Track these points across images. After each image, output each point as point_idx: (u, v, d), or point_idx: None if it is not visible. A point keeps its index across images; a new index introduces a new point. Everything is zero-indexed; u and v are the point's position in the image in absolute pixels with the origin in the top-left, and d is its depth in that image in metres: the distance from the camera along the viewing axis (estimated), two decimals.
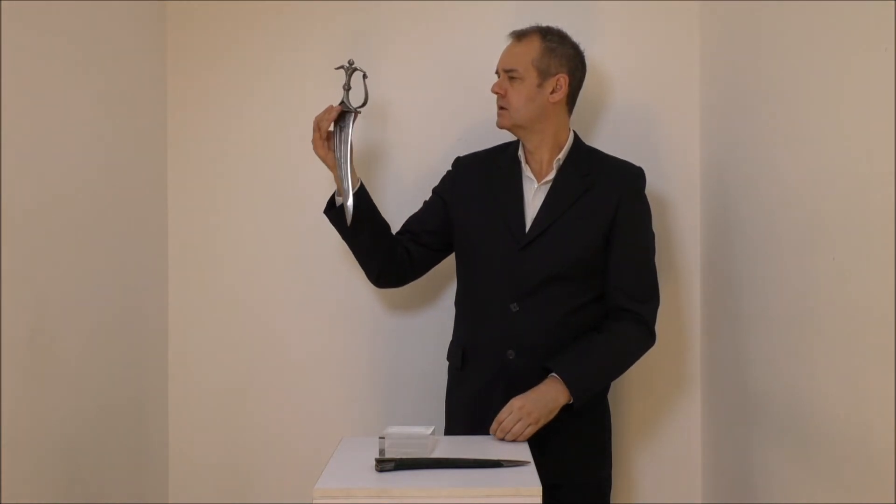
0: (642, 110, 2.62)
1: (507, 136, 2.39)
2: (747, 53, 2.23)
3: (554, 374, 2.16)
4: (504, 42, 2.34)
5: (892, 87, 1.51)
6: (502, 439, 2.07)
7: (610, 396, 2.39)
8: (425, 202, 2.45)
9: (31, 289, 1.96)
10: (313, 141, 2.29)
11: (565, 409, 2.16)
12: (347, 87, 2.32)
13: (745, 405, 2.24)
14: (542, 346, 2.22)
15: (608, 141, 2.54)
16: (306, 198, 2.60)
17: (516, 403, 2.10)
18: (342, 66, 2.33)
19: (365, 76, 2.35)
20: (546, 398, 2.12)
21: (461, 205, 2.36)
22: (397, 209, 2.52)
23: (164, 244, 2.67)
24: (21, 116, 1.92)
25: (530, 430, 2.08)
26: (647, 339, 2.29)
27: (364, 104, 2.34)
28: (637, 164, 2.36)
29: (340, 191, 2.29)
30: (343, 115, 2.30)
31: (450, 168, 2.45)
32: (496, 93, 2.30)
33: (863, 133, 1.63)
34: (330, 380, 2.66)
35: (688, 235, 2.62)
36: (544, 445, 2.13)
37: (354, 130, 2.31)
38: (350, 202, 2.27)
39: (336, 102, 2.31)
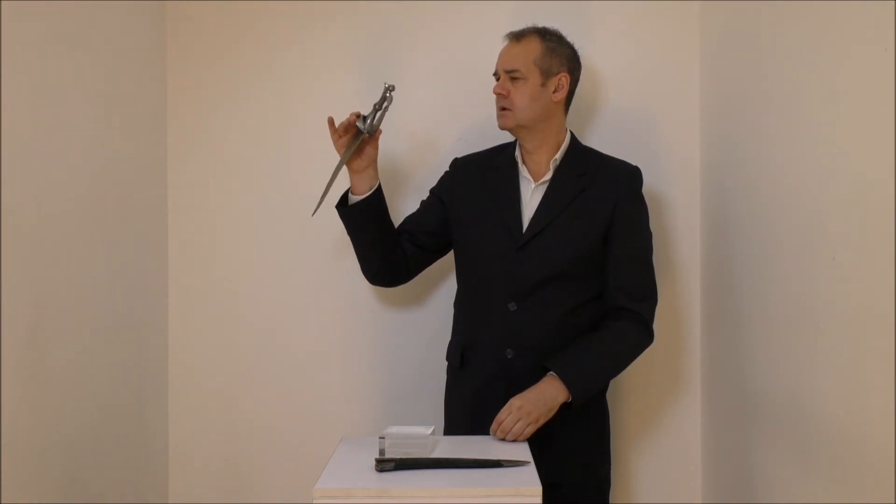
0: (642, 110, 2.62)
1: (507, 137, 2.39)
2: (747, 53, 2.23)
3: (552, 372, 2.17)
4: (503, 42, 2.34)
5: (892, 87, 1.51)
6: (502, 439, 2.07)
7: (609, 396, 2.39)
8: (422, 202, 2.45)
9: (30, 289, 1.96)
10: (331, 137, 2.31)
11: (564, 408, 2.16)
12: (378, 108, 2.28)
13: (745, 405, 2.24)
14: (541, 345, 2.22)
15: (608, 141, 2.54)
16: (306, 198, 2.60)
17: (515, 403, 2.10)
18: (385, 85, 2.28)
19: (387, 108, 2.29)
20: (545, 397, 2.12)
21: (459, 205, 2.37)
22: (397, 209, 2.52)
23: (164, 244, 2.67)
24: (21, 117, 1.92)
25: (530, 430, 2.08)
26: (645, 337, 2.30)
27: (372, 130, 2.28)
28: (636, 164, 2.36)
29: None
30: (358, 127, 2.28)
31: (447, 168, 2.45)
32: (499, 94, 2.30)
33: (863, 133, 1.63)
34: (330, 379, 2.66)
35: (687, 235, 2.61)
36: (544, 445, 2.13)
37: (370, 146, 2.30)
38: (321, 201, 2.31)
39: (348, 108, 2.30)
